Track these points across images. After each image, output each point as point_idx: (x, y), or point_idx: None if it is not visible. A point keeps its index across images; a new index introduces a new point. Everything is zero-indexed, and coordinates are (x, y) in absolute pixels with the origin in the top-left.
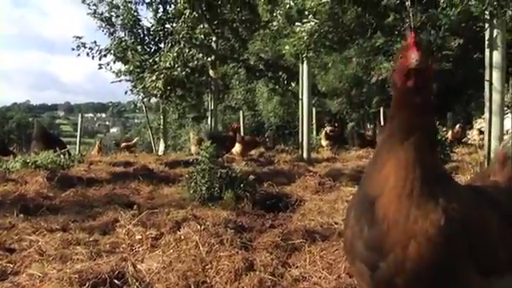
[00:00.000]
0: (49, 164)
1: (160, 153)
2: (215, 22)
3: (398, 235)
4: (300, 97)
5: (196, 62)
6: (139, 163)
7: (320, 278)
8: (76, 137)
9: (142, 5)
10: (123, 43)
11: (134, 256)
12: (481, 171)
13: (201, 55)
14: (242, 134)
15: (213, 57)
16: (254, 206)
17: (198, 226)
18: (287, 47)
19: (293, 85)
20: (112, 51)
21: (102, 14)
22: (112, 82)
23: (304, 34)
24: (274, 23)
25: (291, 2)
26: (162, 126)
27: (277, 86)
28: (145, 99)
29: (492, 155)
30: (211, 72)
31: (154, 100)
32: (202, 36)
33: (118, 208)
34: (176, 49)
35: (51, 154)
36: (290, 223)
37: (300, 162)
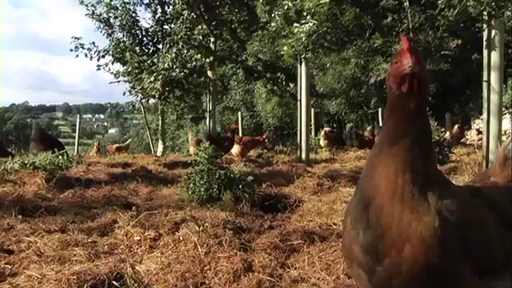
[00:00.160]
0: (47, 165)
1: (158, 154)
2: (214, 23)
3: (393, 239)
4: (298, 98)
5: (194, 63)
6: (138, 164)
7: (319, 278)
8: (74, 138)
9: (141, 6)
10: (121, 44)
11: (132, 257)
12: (481, 172)
13: (199, 56)
14: (240, 134)
15: (211, 58)
16: (252, 207)
17: (197, 227)
18: (285, 48)
19: (291, 86)
20: (110, 52)
21: (100, 15)
22: (110, 83)
23: (302, 34)
24: (273, 24)
25: (290, 3)
26: (160, 127)
27: (275, 87)
28: (143, 100)
29: (490, 155)
30: (210, 73)
31: (152, 101)
32: (201, 37)
33: (116, 209)
34: (174, 50)
35: (49, 155)
36: (289, 224)
37: (298, 163)
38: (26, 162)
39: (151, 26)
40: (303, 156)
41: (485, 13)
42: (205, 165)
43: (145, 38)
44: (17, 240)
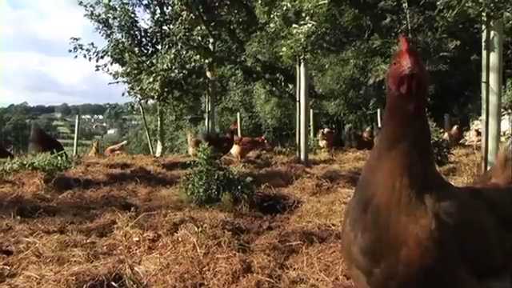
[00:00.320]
0: (46, 166)
1: (157, 154)
2: (212, 24)
3: (390, 241)
4: (297, 98)
5: (193, 64)
6: (136, 165)
7: (317, 279)
8: (73, 138)
9: (140, 6)
10: (120, 45)
11: (131, 258)
12: (482, 174)
13: (198, 57)
14: (239, 135)
15: (210, 58)
16: (251, 208)
17: (196, 228)
18: (284, 49)
19: (290, 86)
20: (109, 53)
21: (99, 15)
22: (109, 84)
23: (301, 35)
24: (272, 25)
25: (288, 4)
26: (159, 128)
27: (274, 88)
28: (142, 101)
29: (489, 156)
30: (208, 74)
31: (151, 102)
32: (200, 38)
33: (115, 210)
34: (173, 50)
35: (48, 155)
36: (288, 225)
37: (297, 164)
38: (25, 162)
39: (150, 27)
40: (302, 157)
41: (483, 14)
42: (204, 165)
43: (144, 39)
44: (15, 241)
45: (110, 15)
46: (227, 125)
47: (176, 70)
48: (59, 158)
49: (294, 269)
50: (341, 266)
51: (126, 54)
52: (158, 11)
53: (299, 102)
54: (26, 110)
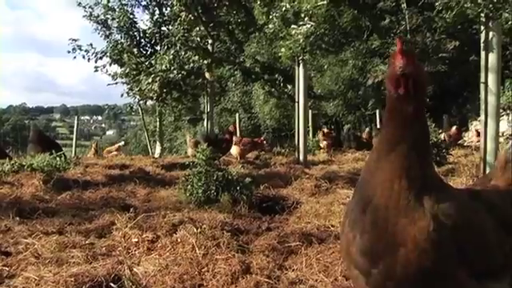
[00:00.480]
0: (45, 167)
1: (156, 155)
2: (211, 25)
3: (388, 243)
4: (296, 99)
5: (192, 65)
6: (135, 166)
7: (316, 280)
8: (72, 139)
9: (138, 7)
10: (119, 46)
11: (130, 259)
12: (482, 176)
13: (197, 58)
14: (238, 136)
15: (209, 59)
16: (250, 209)
17: (195, 229)
18: (283, 50)
19: (289, 87)
20: (108, 54)
21: (97, 16)
22: (108, 85)
23: (300, 36)
24: (270, 26)
25: (287, 5)
26: (158, 129)
27: (273, 89)
28: (141, 102)
29: (488, 157)
30: (207, 74)
31: (150, 102)
32: (198, 38)
33: (114, 211)
34: (172, 51)
35: (47, 156)
36: (287, 226)
37: (296, 165)
38: (24, 163)
39: (149, 28)
40: (301, 158)
41: (482, 14)
42: (202, 166)
43: (142, 40)
44: (14, 242)
45: (108, 16)
46: (226, 126)
47: (175, 71)
48: (58, 158)
49: (293, 270)
50: (340, 267)
51: (125, 55)
52: (157, 12)
53: (298, 102)
54: (25, 111)
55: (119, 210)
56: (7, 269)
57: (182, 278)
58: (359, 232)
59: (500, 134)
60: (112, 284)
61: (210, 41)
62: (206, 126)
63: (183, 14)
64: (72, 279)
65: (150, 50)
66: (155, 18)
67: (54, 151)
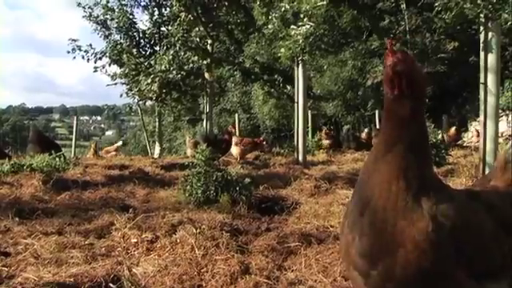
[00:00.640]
0: (44, 167)
1: (155, 156)
2: (211, 25)
3: (387, 244)
4: (295, 100)
5: (191, 65)
6: (135, 166)
7: (316, 281)
8: (71, 140)
9: (138, 8)
10: (118, 46)
11: (129, 259)
12: (482, 176)
13: (196, 58)
14: (238, 136)
15: (208, 60)
16: (249, 209)
17: (194, 230)
18: (283, 50)
19: (288, 88)
20: (107, 54)
21: (97, 16)
22: (107, 85)
23: (299, 36)
24: (270, 26)
25: (287, 5)
26: (157, 129)
27: (272, 89)
28: (140, 102)
29: (487, 158)
30: (207, 75)
31: (149, 103)
32: (198, 39)
33: (113, 211)
34: (171, 52)
35: (46, 157)
36: (286, 226)
37: (296, 165)
38: (23, 163)
39: (148, 28)
40: (300, 158)
41: (481, 15)
42: (202, 167)
43: (142, 40)
44: (14, 242)
45: (108, 16)
46: (225, 126)
47: (174, 71)
48: (57, 159)
49: (292, 270)
50: (339, 268)
51: (124, 55)
52: (156, 12)
53: (297, 103)
54: (24, 111)
55: (118, 210)
56: (6, 269)
57: (181, 278)
58: (358, 234)
59: (499, 135)
60: (111, 284)
61: (209, 41)
62: (205, 126)
63: (183, 15)
64: (71, 279)
65: (149, 50)
66: (155, 18)
67: (53, 151)
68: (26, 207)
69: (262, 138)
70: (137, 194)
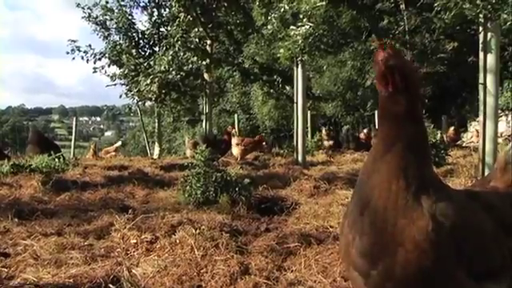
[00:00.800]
0: (43, 168)
1: (155, 156)
2: (210, 26)
3: (387, 244)
4: (295, 100)
5: (191, 66)
6: (134, 167)
7: (315, 281)
8: (71, 140)
9: (137, 8)
10: (118, 47)
11: (129, 260)
12: (482, 177)
13: (195, 59)
14: (239, 136)
15: (208, 60)
16: (249, 210)
17: (193, 230)
18: (282, 51)
19: (287, 88)
20: (107, 55)
21: (96, 17)
22: (107, 86)
23: (299, 37)
24: (269, 27)
25: (286, 6)
26: (156, 130)
27: (272, 90)
28: (139, 103)
29: (487, 158)
30: (206, 75)
31: (148, 103)
32: (197, 39)
33: (112, 212)
34: (171, 52)
35: (46, 157)
36: (285, 227)
37: (295, 166)
38: (23, 164)
39: (147, 29)
40: (300, 158)
41: (481, 15)
42: (201, 167)
43: (141, 41)
44: (13, 243)
45: (107, 17)
46: (225, 126)
47: (173, 72)
48: (57, 160)
49: (292, 271)
50: (338, 268)
51: (124, 56)
52: (156, 13)
53: (297, 103)
54: (24, 112)
55: (118, 211)
56: (6, 270)
57: (180, 279)
58: (358, 233)
59: (499, 135)
60: (111, 285)
61: (208, 42)
62: (204, 126)
63: (182, 15)
64: (71, 280)
65: (148, 50)
66: (154, 18)
67: (52, 152)
68: (26, 208)
69: (261, 135)
70: (136, 195)
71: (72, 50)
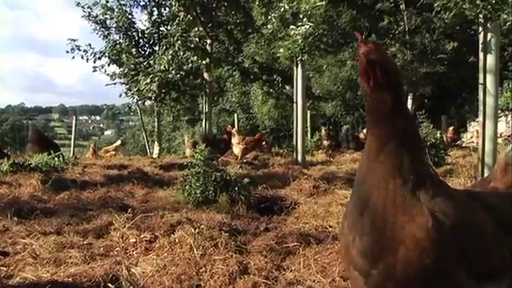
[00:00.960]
0: (43, 167)
1: (154, 155)
2: (210, 25)
3: (387, 243)
4: (294, 100)
5: (190, 65)
6: (134, 166)
7: (314, 281)
8: (70, 139)
9: (137, 7)
10: (118, 46)
11: (128, 259)
12: (481, 178)
13: (195, 58)
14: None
15: (207, 60)
16: (248, 209)
17: (193, 230)
18: (282, 50)
19: (287, 88)
20: (106, 54)
21: (96, 16)
22: (107, 85)
23: (299, 37)
24: (269, 26)
25: (286, 5)
26: (156, 129)
27: (271, 89)
28: (139, 102)
29: (486, 158)
30: (206, 75)
31: (148, 103)
32: (197, 39)
33: (112, 211)
34: (171, 52)
35: (45, 156)
36: (285, 226)
37: (294, 165)
38: (22, 163)
39: (147, 28)
40: (299, 158)
41: (481, 16)
42: (201, 167)
43: (141, 40)
44: (12, 242)
45: (107, 16)
46: (224, 126)
47: (173, 71)
48: (56, 159)
49: (291, 270)
50: (338, 268)
51: (124, 55)
52: (156, 12)
53: (296, 103)
54: (24, 111)
55: (117, 210)
56: (5, 269)
57: (179, 278)
58: (358, 234)
59: (498, 135)
60: (110, 284)
61: (208, 41)
62: (204, 126)
63: (182, 14)
64: (70, 279)
65: (148, 50)
66: (154, 18)
67: (52, 151)
68: (25, 207)
69: (261, 134)
70: (136, 194)
71: (72, 49)
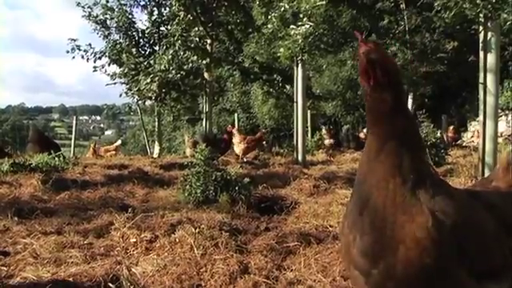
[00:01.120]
0: (43, 167)
1: (155, 155)
2: (210, 25)
3: (387, 242)
4: (295, 99)
5: (191, 65)
6: (134, 166)
7: (315, 281)
8: (71, 139)
9: (137, 7)
10: (118, 46)
11: (128, 259)
12: (483, 177)
13: (196, 58)
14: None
15: (208, 59)
16: (248, 209)
17: (193, 229)
18: (282, 50)
19: (287, 87)
20: (107, 54)
21: (96, 16)
22: (107, 85)
23: (299, 36)
24: (269, 26)
25: (286, 5)
26: (156, 129)
27: (272, 89)
28: (140, 102)
29: (486, 158)
30: (206, 74)
31: (148, 102)
32: (197, 38)
33: (112, 211)
34: (171, 51)
35: (46, 156)
36: (285, 226)
37: (295, 165)
38: (23, 163)
39: (147, 28)
40: (299, 158)
41: (481, 15)
42: (201, 166)
43: (141, 40)
44: (13, 242)
45: (107, 16)
46: (225, 126)
47: (173, 71)
48: (57, 158)
49: (292, 270)
50: (338, 267)
51: (124, 55)
52: (156, 12)
53: (297, 102)
54: (24, 111)
55: (118, 210)
56: (5, 269)
57: (180, 278)
58: (359, 234)
59: (499, 135)
60: (110, 284)
61: (208, 41)
62: (204, 125)
63: (182, 14)
64: (70, 279)
65: (148, 49)
66: (154, 17)
67: (52, 151)
68: (25, 207)
69: (261, 132)
70: (136, 194)
71: (72, 48)
